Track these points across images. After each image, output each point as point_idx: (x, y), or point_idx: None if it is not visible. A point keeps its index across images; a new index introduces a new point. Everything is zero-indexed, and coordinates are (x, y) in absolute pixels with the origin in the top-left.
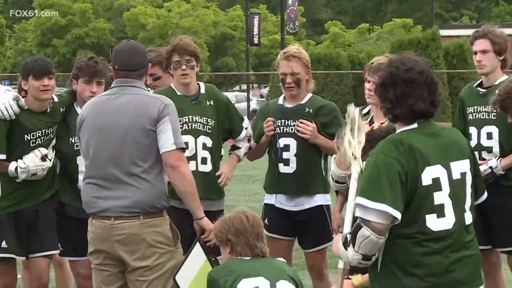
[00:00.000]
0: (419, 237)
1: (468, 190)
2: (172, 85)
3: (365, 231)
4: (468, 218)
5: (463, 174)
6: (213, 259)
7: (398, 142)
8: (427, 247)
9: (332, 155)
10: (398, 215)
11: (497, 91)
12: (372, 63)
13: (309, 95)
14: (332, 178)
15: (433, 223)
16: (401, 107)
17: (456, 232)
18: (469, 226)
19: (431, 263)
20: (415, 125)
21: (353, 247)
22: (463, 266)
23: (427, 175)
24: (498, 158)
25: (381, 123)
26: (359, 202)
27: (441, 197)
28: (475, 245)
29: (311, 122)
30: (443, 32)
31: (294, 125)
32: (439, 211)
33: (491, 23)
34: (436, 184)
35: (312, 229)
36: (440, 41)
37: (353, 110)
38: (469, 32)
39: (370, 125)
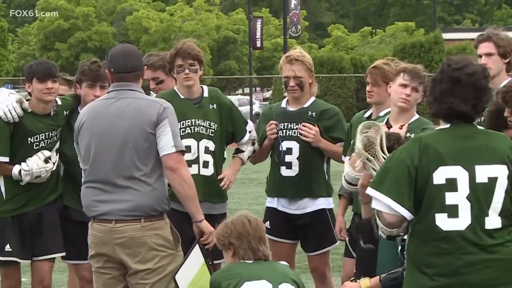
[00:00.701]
0: (429, 236)
1: (499, 195)
2: (175, 88)
3: (378, 221)
4: (492, 222)
5: (493, 179)
6: (210, 262)
7: (418, 140)
8: (437, 247)
9: (341, 160)
10: (401, 209)
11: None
12: (374, 66)
13: (312, 98)
14: (345, 180)
15: (443, 222)
16: (441, 104)
17: (470, 235)
18: (494, 230)
19: (441, 263)
20: (447, 125)
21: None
22: (481, 270)
23: (440, 175)
24: None
25: (401, 126)
26: (367, 192)
27: (456, 198)
28: (506, 251)
29: (314, 126)
30: (446, 36)
31: (297, 129)
32: (451, 211)
33: (493, 26)
34: (450, 184)
35: (315, 232)
36: (443, 44)
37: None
38: (472, 35)
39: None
